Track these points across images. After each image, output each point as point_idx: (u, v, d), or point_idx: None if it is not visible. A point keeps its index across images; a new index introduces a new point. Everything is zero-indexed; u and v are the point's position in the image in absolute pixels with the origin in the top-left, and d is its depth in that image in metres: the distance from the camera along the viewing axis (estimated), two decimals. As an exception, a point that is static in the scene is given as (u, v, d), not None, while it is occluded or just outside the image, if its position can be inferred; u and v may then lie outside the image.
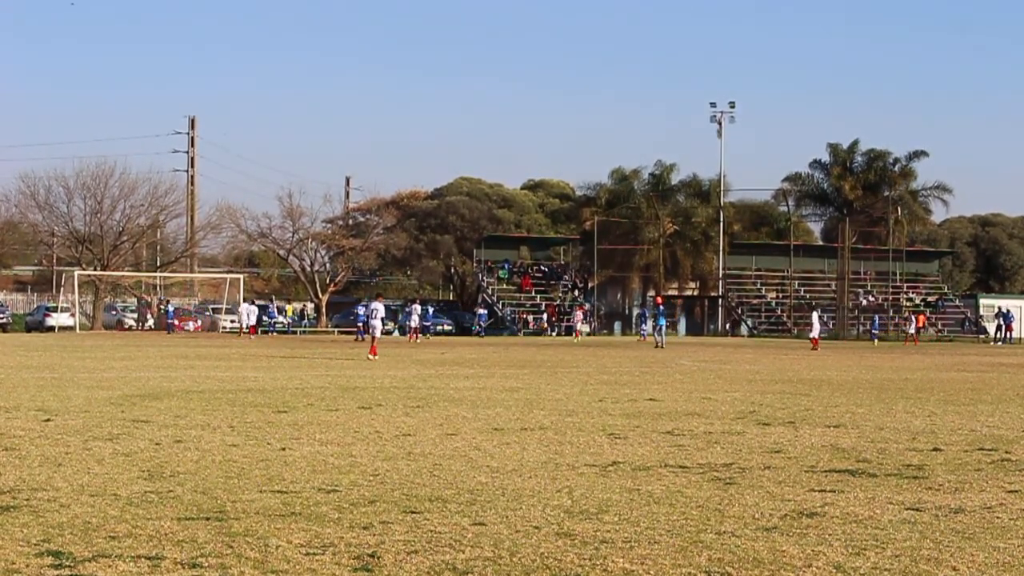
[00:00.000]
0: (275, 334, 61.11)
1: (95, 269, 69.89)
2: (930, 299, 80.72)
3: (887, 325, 71.09)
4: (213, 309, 73.62)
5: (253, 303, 63.74)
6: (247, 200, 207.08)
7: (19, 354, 32.77)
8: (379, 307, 34.69)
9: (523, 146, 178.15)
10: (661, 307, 53.17)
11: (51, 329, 63.07)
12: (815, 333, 50.32)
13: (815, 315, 52.36)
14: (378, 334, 34.05)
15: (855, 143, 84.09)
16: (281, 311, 72.35)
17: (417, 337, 52.92)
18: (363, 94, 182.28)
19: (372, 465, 9.88)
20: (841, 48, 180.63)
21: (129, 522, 7.21)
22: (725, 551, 6.59)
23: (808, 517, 7.64)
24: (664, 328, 50.79)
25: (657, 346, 47.64)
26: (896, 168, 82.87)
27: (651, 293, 75.94)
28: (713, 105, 79.50)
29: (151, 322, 70.93)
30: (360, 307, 58.26)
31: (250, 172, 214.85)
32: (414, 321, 53.46)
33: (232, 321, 65.54)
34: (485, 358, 33.62)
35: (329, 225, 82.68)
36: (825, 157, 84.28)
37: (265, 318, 64.55)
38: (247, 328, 58.58)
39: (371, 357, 31.82)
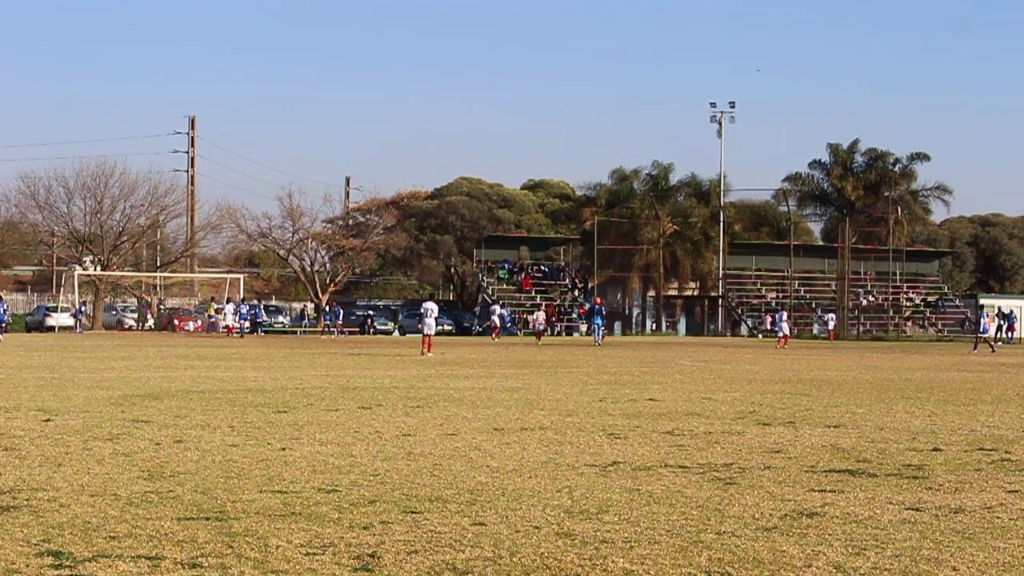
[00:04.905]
0: (260, 333, 61.02)
1: (95, 269, 69.89)
2: (930, 299, 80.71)
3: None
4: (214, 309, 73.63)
5: (230, 301, 64.03)
6: (247, 200, 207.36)
7: (19, 354, 32.78)
8: (433, 307, 36.49)
9: (523, 146, 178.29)
10: (598, 306, 55.48)
11: (51, 329, 63.12)
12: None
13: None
14: (432, 332, 35.61)
15: (855, 143, 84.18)
16: (280, 311, 72.25)
17: (498, 335, 58.39)
18: (363, 94, 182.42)
19: (372, 465, 9.87)
20: (841, 48, 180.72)
21: (129, 522, 7.20)
22: (725, 551, 6.59)
23: (808, 517, 7.64)
24: (600, 328, 52.93)
25: (595, 344, 49.32)
26: (897, 168, 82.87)
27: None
28: (713, 105, 79.68)
29: (151, 322, 70.98)
30: (355, 309, 59.25)
31: (250, 172, 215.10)
32: (495, 322, 59.24)
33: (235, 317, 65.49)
34: (485, 358, 33.63)
35: (329, 225, 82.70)
36: (825, 157, 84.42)
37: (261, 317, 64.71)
38: (226, 327, 59.66)
39: (428, 355, 33.60)
